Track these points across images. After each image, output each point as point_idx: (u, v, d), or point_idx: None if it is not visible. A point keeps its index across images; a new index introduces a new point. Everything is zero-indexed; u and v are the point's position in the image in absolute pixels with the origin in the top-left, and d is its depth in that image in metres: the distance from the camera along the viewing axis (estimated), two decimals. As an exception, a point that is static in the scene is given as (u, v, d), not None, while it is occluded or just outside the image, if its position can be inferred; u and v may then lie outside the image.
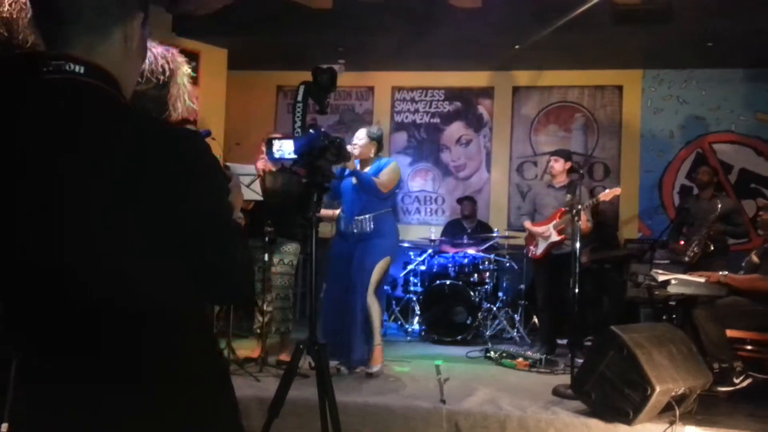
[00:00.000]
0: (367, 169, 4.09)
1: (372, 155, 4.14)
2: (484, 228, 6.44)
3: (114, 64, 0.99)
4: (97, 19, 0.97)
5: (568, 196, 4.36)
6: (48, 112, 0.92)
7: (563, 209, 4.66)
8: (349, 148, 3.96)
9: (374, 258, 3.98)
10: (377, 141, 4.16)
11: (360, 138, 4.12)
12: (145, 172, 0.91)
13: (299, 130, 2.02)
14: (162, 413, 0.93)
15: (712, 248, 4.86)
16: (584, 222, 4.46)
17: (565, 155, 5.03)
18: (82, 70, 0.94)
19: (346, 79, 6.95)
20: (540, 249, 4.89)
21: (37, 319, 0.92)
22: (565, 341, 4.85)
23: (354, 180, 4.05)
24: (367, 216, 4.01)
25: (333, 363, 3.96)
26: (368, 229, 4.01)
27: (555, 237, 4.78)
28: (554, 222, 4.81)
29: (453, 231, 6.40)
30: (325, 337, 3.88)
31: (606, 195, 4.54)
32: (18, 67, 0.98)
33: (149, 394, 0.93)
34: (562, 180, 4.94)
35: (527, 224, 5.01)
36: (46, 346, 0.92)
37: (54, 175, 0.90)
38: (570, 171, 4.96)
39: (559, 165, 4.92)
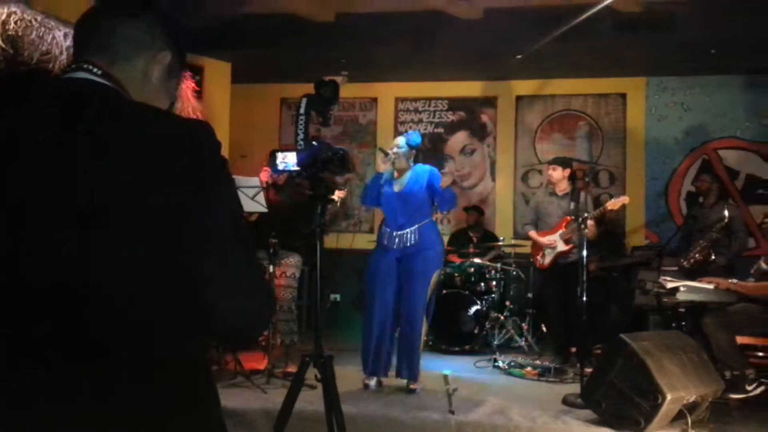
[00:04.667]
0: (405, 179, 3.99)
1: (410, 164, 4.02)
2: (490, 237, 6.42)
3: (129, 85, 1.03)
4: (124, 42, 1.03)
5: (572, 205, 4.34)
6: (60, 105, 0.96)
7: (569, 218, 4.63)
8: (385, 159, 3.90)
9: (426, 272, 3.86)
10: (416, 149, 4.04)
11: (401, 147, 3.96)
12: (160, 167, 0.91)
13: (302, 142, 2.02)
14: (160, 416, 0.92)
15: (713, 257, 4.83)
16: (591, 229, 4.43)
17: (562, 163, 4.99)
18: (99, 72, 1.00)
19: (349, 90, 6.99)
20: (547, 259, 4.86)
21: (38, 326, 0.91)
22: (574, 350, 4.81)
23: (396, 188, 3.95)
24: (411, 229, 3.92)
25: (372, 380, 3.95)
26: (412, 241, 3.90)
27: (562, 247, 4.75)
28: (560, 231, 4.78)
29: (459, 241, 6.38)
30: (370, 353, 3.90)
31: (613, 204, 4.51)
32: (31, 77, 1.02)
33: (149, 396, 0.91)
34: (564, 188, 4.91)
35: (532, 234, 4.98)
36: (37, 348, 0.90)
37: (66, 171, 0.91)
38: (571, 178, 4.93)
39: (557, 173, 4.88)
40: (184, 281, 0.92)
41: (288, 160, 2.06)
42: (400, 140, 4.02)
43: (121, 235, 0.90)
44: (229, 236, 0.95)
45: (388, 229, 4.00)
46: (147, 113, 0.99)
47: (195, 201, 0.92)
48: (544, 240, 4.85)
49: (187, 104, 4.72)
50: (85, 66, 1.00)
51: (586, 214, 3.96)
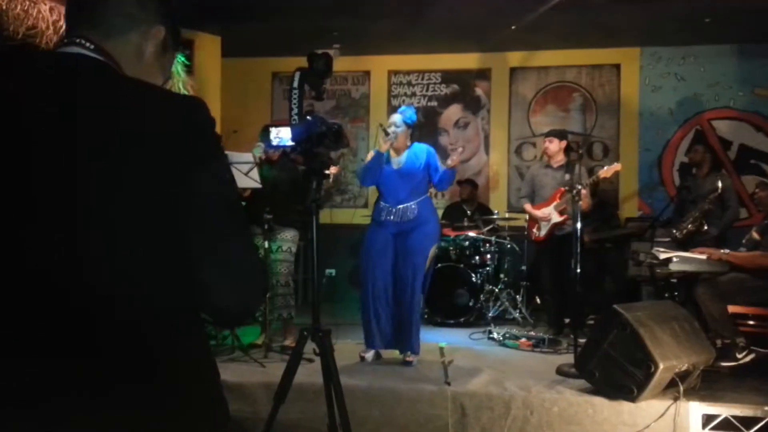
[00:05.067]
0: (403, 156, 3.99)
1: (408, 142, 4.01)
2: (484, 210, 6.43)
3: (123, 60, 1.01)
4: (117, 17, 1.02)
5: (567, 176, 4.34)
6: (54, 79, 0.95)
7: (563, 189, 4.64)
8: (386, 139, 3.86)
9: (424, 247, 3.92)
10: (413, 127, 4.01)
11: (398, 125, 3.93)
12: (154, 148, 0.90)
13: (296, 117, 2.00)
14: (160, 414, 0.91)
15: (705, 227, 4.86)
16: (585, 199, 4.45)
17: (559, 135, 4.99)
18: (92, 47, 0.98)
19: (341, 63, 6.90)
20: (543, 231, 4.88)
21: (28, 317, 0.89)
22: (568, 321, 4.87)
23: (395, 166, 3.96)
24: (410, 203, 3.95)
25: (369, 352, 3.99)
26: (411, 216, 3.94)
27: (557, 218, 4.77)
28: (555, 203, 4.80)
29: (453, 214, 6.40)
30: (372, 328, 3.93)
31: (606, 171, 4.53)
32: (21, 52, 1.00)
33: (148, 394, 0.91)
34: (559, 160, 4.92)
35: (528, 207, 5.00)
36: (36, 346, 0.89)
37: (54, 152, 0.89)
38: (567, 150, 4.93)
39: (553, 146, 4.89)
40: (179, 263, 0.91)
41: (282, 136, 2.04)
42: (397, 119, 4.00)
43: (118, 224, 0.89)
44: (223, 215, 0.95)
45: (387, 204, 3.99)
46: (141, 89, 0.97)
47: (189, 180, 0.91)
48: (539, 213, 4.87)
49: (178, 79, 4.66)
50: (78, 41, 0.98)
51: (579, 186, 3.96)
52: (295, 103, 1.99)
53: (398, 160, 4.01)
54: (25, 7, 3.65)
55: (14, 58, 0.99)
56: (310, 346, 2.37)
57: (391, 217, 3.97)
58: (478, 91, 7.16)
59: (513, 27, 6.06)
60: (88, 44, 0.98)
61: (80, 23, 1.01)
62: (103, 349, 0.89)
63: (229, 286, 0.96)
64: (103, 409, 0.88)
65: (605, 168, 4.55)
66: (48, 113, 0.91)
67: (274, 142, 2.05)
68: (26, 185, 0.90)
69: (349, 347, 4.13)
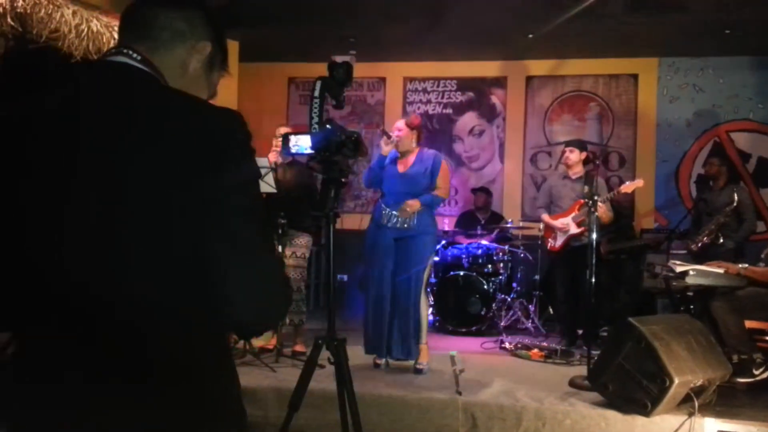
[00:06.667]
0: (410, 160, 4.02)
1: (413, 146, 4.04)
2: (497, 219, 6.41)
3: (167, 73, 1.04)
4: (165, 31, 1.05)
5: (586, 188, 4.32)
6: (99, 86, 0.98)
7: (582, 201, 4.61)
8: (387, 141, 3.93)
9: (423, 256, 3.96)
10: (417, 130, 4.07)
11: (399, 129, 3.98)
12: (185, 152, 0.91)
13: (316, 125, 2.02)
14: (164, 414, 0.92)
15: (720, 240, 4.81)
16: (605, 212, 4.42)
17: (580, 145, 4.97)
18: (138, 58, 1.02)
19: (357, 70, 6.88)
20: (559, 241, 4.86)
21: (41, 313, 0.91)
22: (581, 332, 4.83)
23: (400, 169, 3.99)
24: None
25: (382, 359, 4.01)
26: (412, 224, 3.96)
27: (575, 230, 4.74)
28: (573, 214, 4.77)
29: (467, 222, 6.38)
30: (368, 331, 3.95)
31: (628, 187, 4.51)
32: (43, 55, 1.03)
33: (153, 393, 0.91)
34: (578, 171, 4.89)
35: (545, 217, 4.97)
36: (49, 341, 0.91)
37: (91, 151, 0.92)
38: (585, 161, 4.90)
39: (574, 155, 4.87)
40: (194, 271, 0.91)
41: (301, 143, 2.05)
42: (399, 123, 4.06)
43: (130, 226, 0.90)
44: (248, 228, 0.95)
45: (388, 209, 3.99)
46: (179, 98, 0.99)
47: (215, 189, 0.92)
48: (557, 223, 4.84)
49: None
50: (125, 51, 1.02)
51: (596, 197, 3.93)
52: (315, 112, 2.00)
53: (404, 164, 4.04)
54: (49, 11, 3.70)
55: (62, 66, 1.03)
56: (322, 353, 2.37)
57: (392, 222, 3.96)
58: (494, 99, 7.15)
59: (530, 35, 6.06)
60: (135, 55, 1.02)
61: (130, 34, 1.05)
62: (102, 350, 0.90)
63: (253, 300, 0.95)
64: (100, 408, 0.89)
65: (627, 183, 4.55)
66: (84, 117, 0.93)
67: (293, 150, 2.06)
68: (55, 193, 0.92)
69: (359, 353, 4.12)
